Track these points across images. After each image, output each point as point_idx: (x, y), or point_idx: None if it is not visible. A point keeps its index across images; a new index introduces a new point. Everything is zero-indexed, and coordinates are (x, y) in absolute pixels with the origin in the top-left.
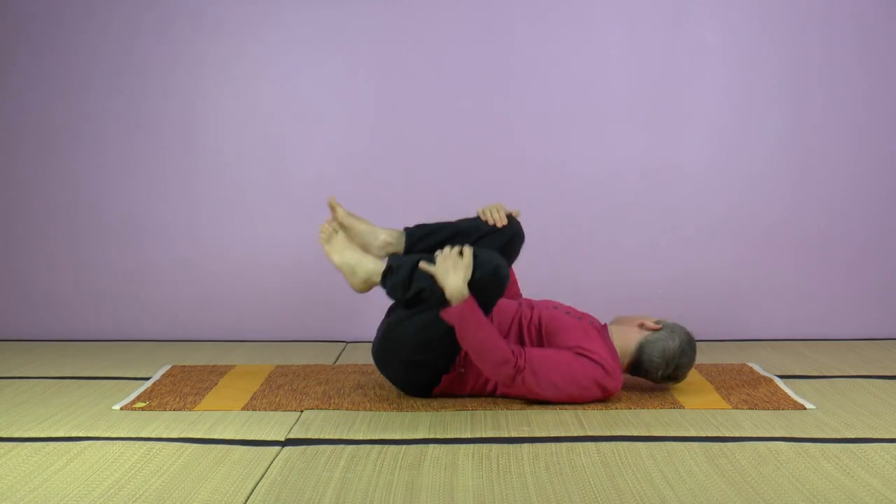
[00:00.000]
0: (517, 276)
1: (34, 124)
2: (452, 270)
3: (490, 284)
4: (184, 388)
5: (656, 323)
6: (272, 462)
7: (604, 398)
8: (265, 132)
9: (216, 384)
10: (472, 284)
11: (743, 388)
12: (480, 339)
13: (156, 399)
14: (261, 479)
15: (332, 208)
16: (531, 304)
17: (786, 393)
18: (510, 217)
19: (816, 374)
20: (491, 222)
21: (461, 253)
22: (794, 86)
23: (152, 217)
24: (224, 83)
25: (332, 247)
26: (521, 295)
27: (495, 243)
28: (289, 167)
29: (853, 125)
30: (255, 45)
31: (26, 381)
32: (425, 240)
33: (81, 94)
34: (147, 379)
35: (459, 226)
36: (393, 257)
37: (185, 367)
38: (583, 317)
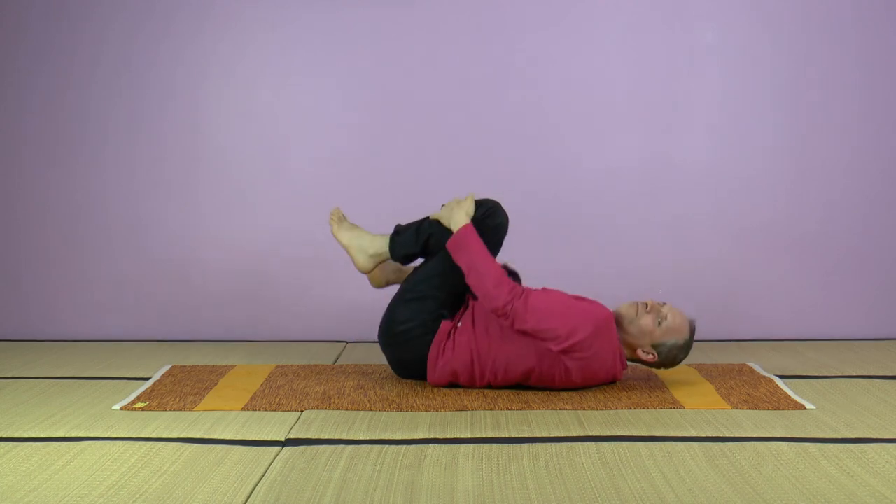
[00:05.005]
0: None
1: (35, 124)
2: (457, 209)
3: (491, 219)
4: (184, 388)
5: (648, 352)
6: (272, 462)
7: (594, 341)
8: (266, 133)
9: (216, 384)
10: (476, 221)
11: (743, 388)
12: (478, 260)
13: (156, 399)
14: (261, 479)
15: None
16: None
17: (786, 393)
18: (492, 203)
19: (816, 374)
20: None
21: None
22: (793, 85)
23: (152, 217)
24: (225, 84)
25: (340, 227)
26: None
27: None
28: (289, 168)
29: (851, 124)
30: (255, 46)
31: (26, 381)
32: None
33: (82, 94)
34: (147, 379)
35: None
36: (398, 225)
37: (185, 367)
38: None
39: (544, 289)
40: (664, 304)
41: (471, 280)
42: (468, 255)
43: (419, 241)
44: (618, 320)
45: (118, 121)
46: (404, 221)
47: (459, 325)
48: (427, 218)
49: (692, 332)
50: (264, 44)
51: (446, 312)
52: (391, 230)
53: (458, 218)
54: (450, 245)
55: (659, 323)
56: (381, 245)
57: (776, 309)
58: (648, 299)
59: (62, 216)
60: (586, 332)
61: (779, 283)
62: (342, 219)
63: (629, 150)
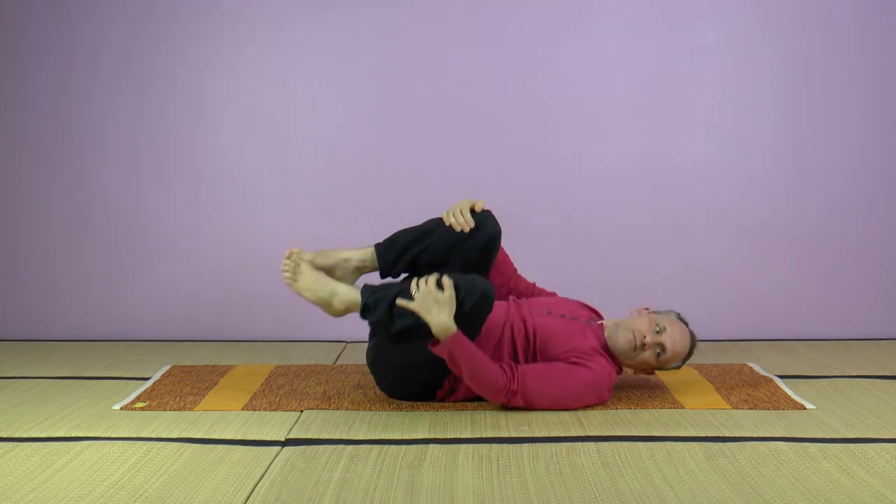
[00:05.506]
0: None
1: (36, 124)
2: (436, 307)
3: (478, 312)
4: (184, 388)
5: (647, 370)
6: (272, 462)
7: (598, 403)
8: (266, 133)
9: (216, 384)
10: (459, 315)
11: (743, 388)
12: (472, 369)
13: (156, 399)
14: (261, 479)
15: (297, 256)
16: (522, 315)
17: (786, 393)
18: (481, 214)
19: (816, 374)
20: (458, 229)
21: (439, 283)
22: (793, 85)
23: (153, 217)
24: (226, 84)
25: (300, 284)
26: (516, 272)
27: (473, 251)
28: (290, 167)
29: (851, 124)
30: (256, 46)
31: (26, 381)
32: (399, 261)
33: (83, 93)
34: (147, 379)
35: (432, 238)
36: (366, 290)
37: (185, 367)
38: (578, 317)
39: (535, 371)
40: (664, 328)
41: (465, 380)
42: (456, 364)
43: (395, 326)
44: (615, 350)
45: (119, 121)
46: (406, 221)
47: (457, 385)
48: (397, 296)
49: (692, 347)
50: (265, 44)
51: (437, 384)
52: (391, 231)
53: (440, 320)
54: (437, 352)
55: (658, 355)
56: (351, 300)
57: (776, 309)
58: (646, 330)
59: (62, 216)
60: (593, 400)
61: (779, 283)
62: (297, 267)
63: (629, 150)
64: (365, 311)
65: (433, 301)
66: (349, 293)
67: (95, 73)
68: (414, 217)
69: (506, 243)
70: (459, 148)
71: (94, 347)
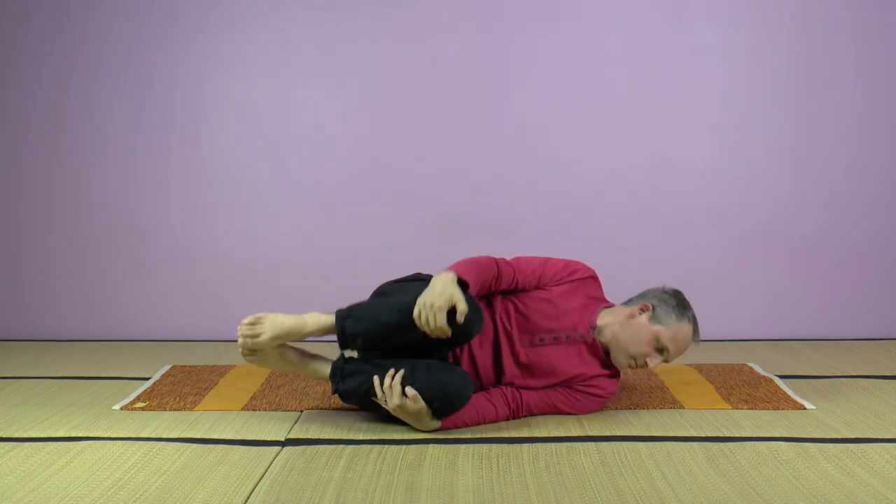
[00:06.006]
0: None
1: (36, 124)
2: (411, 419)
3: (456, 408)
4: (184, 388)
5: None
6: (272, 462)
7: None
8: (266, 133)
9: (216, 384)
10: (436, 412)
11: (743, 388)
12: (473, 424)
13: (156, 399)
14: (261, 479)
15: (251, 337)
16: (514, 353)
17: (786, 393)
18: (464, 326)
19: (816, 374)
20: (433, 337)
21: (404, 390)
22: (793, 85)
23: (153, 217)
24: (227, 84)
25: (265, 366)
26: (496, 277)
27: (449, 349)
28: (290, 168)
29: (851, 124)
30: (256, 46)
31: (26, 381)
32: (362, 350)
33: (83, 93)
34: (147, 379)
35: (403, 340)
36: (335, 375)
37: (185, 367)
38: (573, 331)
39: (539, 399)
40: (665, 347)
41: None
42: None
43: (368, 407)
44: (617, 366)
45: (119, 121)
46: (405, 222)
47: None
48: (370, 387)
49: (695, 335)
50: (265, 44)
51: None
52: (391, 230)
53: (420, 426)
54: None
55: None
56: (321, 377)
57: (776, 309)
58: (648, 354)
59: (62, 216)
60: (595, 409)
61: (779, 283)
62: (257, 352)
63: (629, 150)
64: (337, 394)
65: (405, 414)
66: (318, 371)
67: (95, 73)
68: (413, 217)
69: (505, 244)
70: (459, 148)
71: (94, 347)
